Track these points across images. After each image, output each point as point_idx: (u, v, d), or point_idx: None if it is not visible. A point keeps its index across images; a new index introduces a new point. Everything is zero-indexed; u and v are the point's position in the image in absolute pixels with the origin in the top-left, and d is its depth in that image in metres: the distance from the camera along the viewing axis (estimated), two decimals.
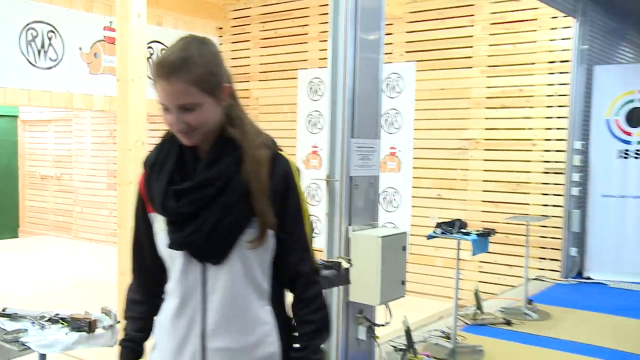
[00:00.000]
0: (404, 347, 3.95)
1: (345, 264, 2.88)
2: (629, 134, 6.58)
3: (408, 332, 3.96)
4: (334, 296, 3.59)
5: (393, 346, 4.09)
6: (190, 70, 1.47)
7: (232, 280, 1.55)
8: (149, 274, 1.69)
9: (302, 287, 1.63)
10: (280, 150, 1.63)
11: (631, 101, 6.56)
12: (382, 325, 3.72)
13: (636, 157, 6.55)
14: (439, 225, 4.26)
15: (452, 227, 4.22)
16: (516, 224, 6.16)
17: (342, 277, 2.82)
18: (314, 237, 1.69)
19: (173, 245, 1.56)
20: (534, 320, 5.06)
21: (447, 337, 4.35)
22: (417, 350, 4.00)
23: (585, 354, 4.26)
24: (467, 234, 4.20)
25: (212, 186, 1.52)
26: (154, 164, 1.62)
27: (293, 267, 1.62)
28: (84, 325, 2.33)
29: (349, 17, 3.52)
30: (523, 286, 5.42)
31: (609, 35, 7.32)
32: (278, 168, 1.58)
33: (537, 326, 4.91)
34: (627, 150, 6.59)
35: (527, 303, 5.31)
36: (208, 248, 1.53)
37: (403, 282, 3.56)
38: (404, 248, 3.57)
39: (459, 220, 4.28)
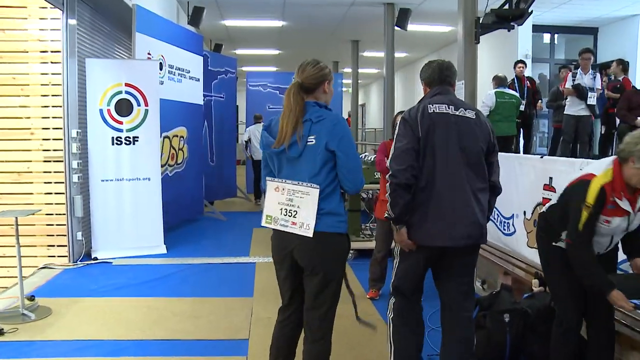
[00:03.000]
0: None
1: None
2: (120, 122, 6.12)
3: None
4: None
5: None
6: None
7: None
8: None
9: None
10: None
11: (119, 92, 6.12)
12: None
13: (127, 144, 6.18)
14: None
15: None
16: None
17: None
18: None
19: None
20: (33, 321, 4.07)
21: None
22: None
23: (80, 355, 3.51)
24: None
25: None
26: None
27: None
28: None
29: None
30: (19, 284, 4.40)
31: (100, 32, 6.74)
32: None
33: (34, 328, 3.93)
34: (119, 137, 6.14)
35: (28, 300, 4.38)
36: None
37: None
38: None
39: None
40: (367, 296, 4.69)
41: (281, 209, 2.51)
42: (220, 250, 6.50)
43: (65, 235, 5.91)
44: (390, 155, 2.76)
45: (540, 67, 11.48)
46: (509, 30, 6.08)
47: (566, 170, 3.78)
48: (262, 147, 2.60)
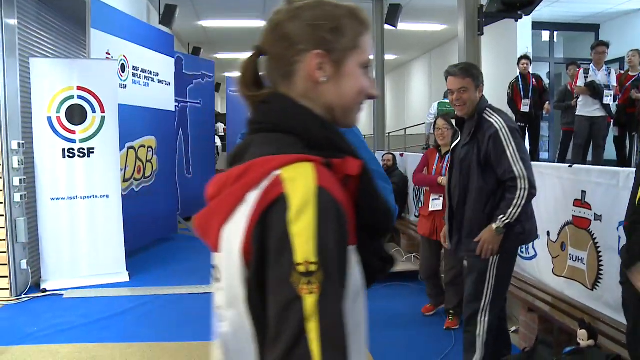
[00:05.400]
0: None
1: None
2: (72, 132, 5.33)
3: None
4: None
5: None
6: None
7: None
8: None
9: None
10: None
11: (71, 97, 5.32)
12: None
13: (81, 156, 5.37)
14: None
15: None
16: None
17: None
18: None
19: None
20: None
21: None
22: None
23: None
24: None
25: None
26: None
27: None
28: None
29: None
30: None
31: (45, 26, 5.91)
32: None
33: None
34: (72, 149, 5.34)
35: None
36: None
37: None
38: None
39: None
40: (422, 311, 4.48)
41: None
42: (191, 277, 5.68)
43: (5, 265, 5.09)
44: (525, 166, 2.70)
45: (539, 67, 10.80)
46: (516, 20, 5.37)
47: (605, 183, 3.05)
48: None
